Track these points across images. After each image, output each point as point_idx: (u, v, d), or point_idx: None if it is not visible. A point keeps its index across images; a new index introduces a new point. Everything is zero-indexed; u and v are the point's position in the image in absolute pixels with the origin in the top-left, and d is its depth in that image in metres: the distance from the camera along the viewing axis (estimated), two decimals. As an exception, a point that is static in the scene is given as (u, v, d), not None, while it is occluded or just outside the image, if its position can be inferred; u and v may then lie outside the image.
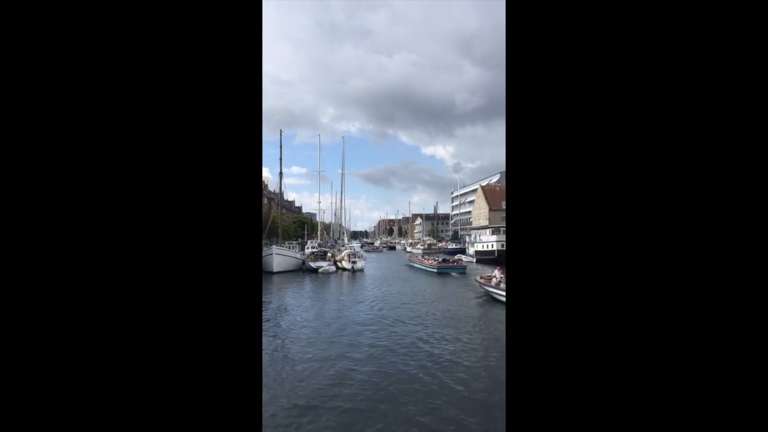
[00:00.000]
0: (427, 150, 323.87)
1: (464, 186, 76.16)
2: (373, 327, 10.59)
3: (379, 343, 8.93)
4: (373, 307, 13.75)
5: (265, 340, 9.03)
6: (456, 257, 36.57)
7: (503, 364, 7.25)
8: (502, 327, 10.32)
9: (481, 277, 16.10)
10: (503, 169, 67.01)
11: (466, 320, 11.43)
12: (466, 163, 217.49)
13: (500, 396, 5.62)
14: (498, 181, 64.60)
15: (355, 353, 8.07)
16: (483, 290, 15.36)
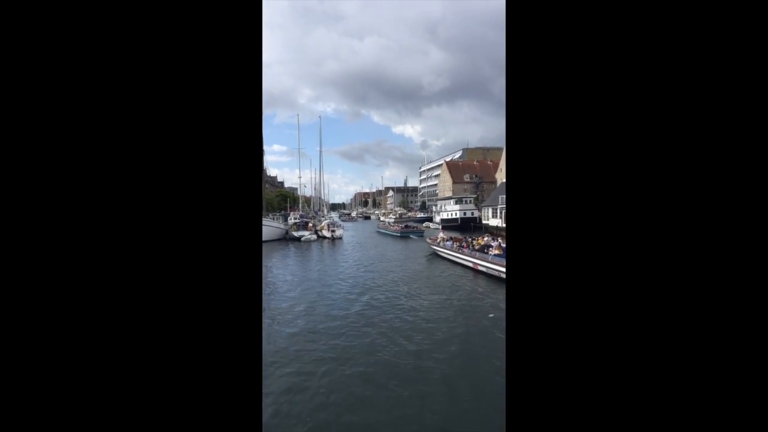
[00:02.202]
0: (397, 129, 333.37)
1: (431, 161, 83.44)
2: (352, 269, 15.59)
3: (359, 278, 13.93)
4: (352, 260, 18.83)
5: (268, 291, 13.85)
6: (424, 224, 42.15)
7: (416, 285, 12.59)
8: (433, 269, 15.64)
9: (430, 239, 21.40)
10: (465, 146, 72.26)
11: (413, 266, 16.74)
12: (432, 140, 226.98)
13: (411, 298, 10.77)
14: (460, 157, 70.18)
15: (339, 286, 13.09)
16: (431, 249, 20.48)
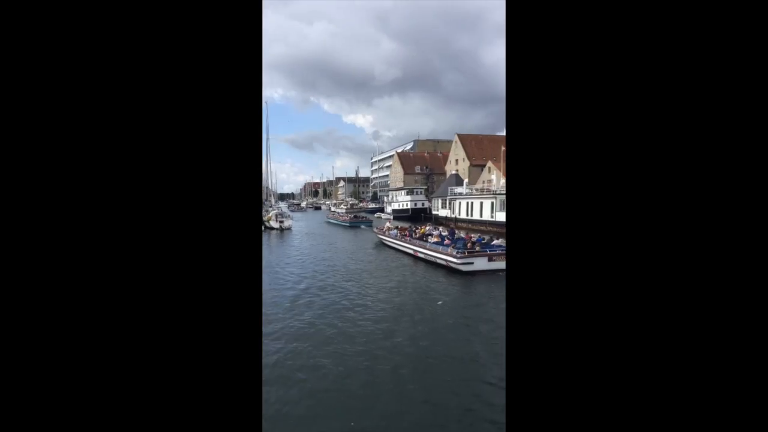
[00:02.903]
0: (348, 118, 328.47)
1: (382, 152, 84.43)
2: (300, 260, 15.59)
3: (306, 269, 13.98)
4: (300, 251, 18.77)
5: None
6: (376, 215, 42.63)
7: (358, 265, 12.90)
8: (377, 253, 15.99)
9: (377, 228, 21.83)
10: (417, 137, 73.59)
11: (360, 253, 16.98)
12: (383, 131, 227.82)
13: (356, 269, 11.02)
14: (412, 149, 71.68)
15: (286, 277, 13.08)
16: (377, 238, 20.88)
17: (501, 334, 7.15)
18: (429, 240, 14.82)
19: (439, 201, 36.70)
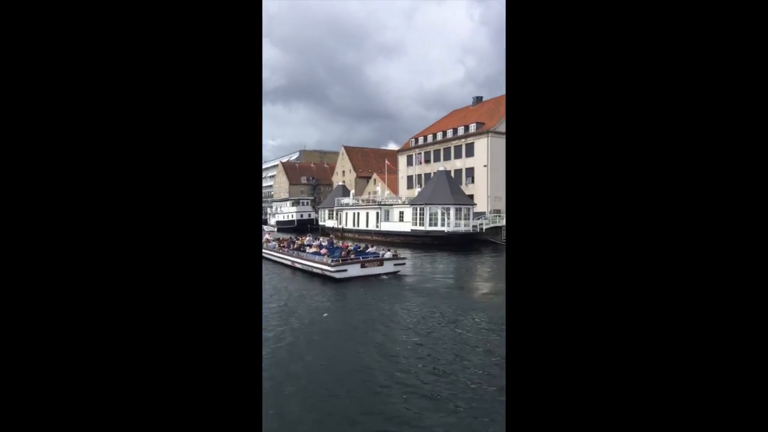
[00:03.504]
0: None
1: (266, 162, 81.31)
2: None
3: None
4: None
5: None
6: (259, 227, 40.59)
7: None
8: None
9: (255, 241, 20.94)
10: (302, 147, 73.39)
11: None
12: (267, 140, 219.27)
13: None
14: (297, 159, 71.02)
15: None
16: (257, 250, 20.02)
17: (354, 345, 7.42)
18: (307, 250, 14.74)
19: (326, 212, 36.77)
